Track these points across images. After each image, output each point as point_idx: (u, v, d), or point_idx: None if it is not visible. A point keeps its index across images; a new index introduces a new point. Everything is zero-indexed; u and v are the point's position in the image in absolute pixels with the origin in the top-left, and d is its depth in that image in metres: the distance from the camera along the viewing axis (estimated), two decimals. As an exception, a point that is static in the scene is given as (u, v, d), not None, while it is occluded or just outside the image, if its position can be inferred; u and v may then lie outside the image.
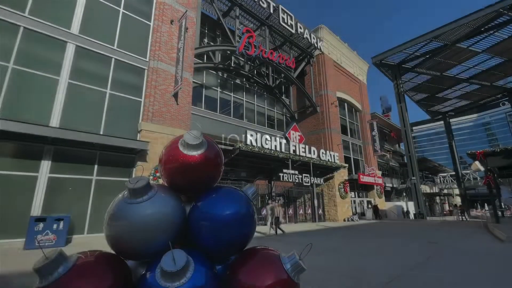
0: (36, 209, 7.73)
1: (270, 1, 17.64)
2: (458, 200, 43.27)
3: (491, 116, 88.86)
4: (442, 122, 38.83)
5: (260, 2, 17.00)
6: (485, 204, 35.50)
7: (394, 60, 25.75)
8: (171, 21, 12.20)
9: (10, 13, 8.25)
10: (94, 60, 9.96)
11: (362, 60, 28.97)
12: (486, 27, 20.12)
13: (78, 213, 8.40)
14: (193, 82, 13.69)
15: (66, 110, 8.89)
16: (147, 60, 11.37)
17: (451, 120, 37.60)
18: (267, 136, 14.82)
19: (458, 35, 21.14)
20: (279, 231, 10.87)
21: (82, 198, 8.61)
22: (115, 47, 10.49)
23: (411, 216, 26.61)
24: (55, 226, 7.32)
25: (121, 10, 11.02)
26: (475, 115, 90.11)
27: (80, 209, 8.50)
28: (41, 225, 7.14)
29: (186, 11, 12.39)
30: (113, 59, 10.39)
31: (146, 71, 11.24)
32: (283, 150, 15.43)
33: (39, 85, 8.57)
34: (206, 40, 17.66)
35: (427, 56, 23.94)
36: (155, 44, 11.50)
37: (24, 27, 8.49)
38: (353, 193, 23.05)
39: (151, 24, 11.85)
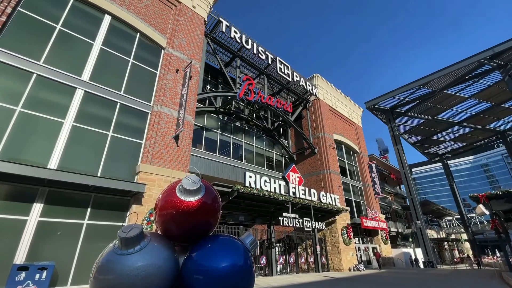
0: (21, 256, 7.22)
1: (268, 53, 19.22)
2: (467, 246, 41.05)
3: (488, 157, 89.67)
4: (440, 164, 38.93)
5: (259, 54, 18.51)
6: (496, 250, 33.59)
7: (386, 105, 26.87)
8: (177, 70, 13.08)
9: (26, 62, 8.85)
10: (100, 104, 10.38)
11: (355, 105, 30.31)
12: (471, 75, 21.56)
13: (64, 261, 7.82)
14: (194, 124, 14.08)
15: (66, 151, 8.94)
16: (151, 104, 11.87)
17: (449, 162, 37.72)
18: (266, 178, 14.67)
19: (445, 83, 22.50)
20: None
21: (69, 245, 8.10)
22: (121, 93, 11.03)
23: (420, 264, 24.90)
24: (37, 276, 6.76)
25: (131, 60, 11.90)
26: (471, 157, 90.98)
27: (66, 257, 7.94)
28: (23, 274, 6.59)
29: (191, 61, 13.38)
30: (118, 104, 10.83)
31: (149, 114, 11.65)
32: (282, 192, 15.13)
33: (43, 127, 8.77)
34: (208, 87, 18.73)
35: (418, 102, 25.09)
36: (160, 90, 12.14)
37: (37, 74, 9.02)
38: (357, 238, 21.86)
39: (158, 72, 12.68)
